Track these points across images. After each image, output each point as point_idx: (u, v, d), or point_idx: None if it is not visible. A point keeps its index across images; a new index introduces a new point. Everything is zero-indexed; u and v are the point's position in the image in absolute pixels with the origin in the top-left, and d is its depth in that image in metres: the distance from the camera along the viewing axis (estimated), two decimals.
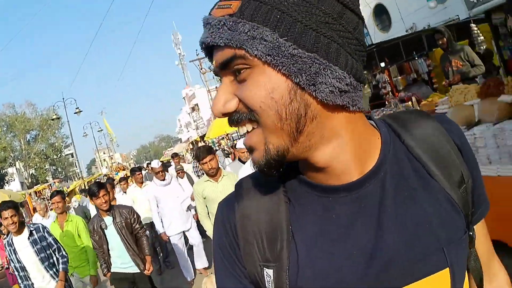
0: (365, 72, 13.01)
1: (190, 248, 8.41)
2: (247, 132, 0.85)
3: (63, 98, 32.12)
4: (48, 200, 23.07)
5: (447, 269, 0.88)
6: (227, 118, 0.86)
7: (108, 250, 5.73)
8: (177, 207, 7.85)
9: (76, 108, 32.30)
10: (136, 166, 10.73)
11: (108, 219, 5.68)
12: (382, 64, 12.39)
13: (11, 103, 62.36)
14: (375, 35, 17.13)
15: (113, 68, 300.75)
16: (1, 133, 52.80)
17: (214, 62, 0.84)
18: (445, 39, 7.21)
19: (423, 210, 0.89)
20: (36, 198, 22.16)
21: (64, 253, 5.72)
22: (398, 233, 0.86)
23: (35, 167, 58.81)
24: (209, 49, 0.85)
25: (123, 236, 5.62)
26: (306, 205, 0.92)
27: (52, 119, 35.70)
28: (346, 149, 0.87)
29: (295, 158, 0.86)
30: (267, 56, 0.78)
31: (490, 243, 1.12)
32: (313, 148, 0.85)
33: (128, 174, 22.77)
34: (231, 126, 0.87)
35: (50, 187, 26.46)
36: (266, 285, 0.91)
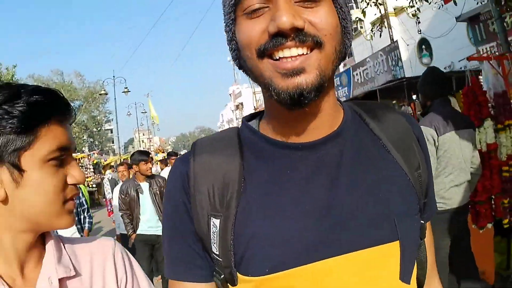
0: (393, 102, 13.99)
1: None
2: (301, 54, 0.85)
3: (114, 76, 33.49)
4: (86, 168, 25.13)
5: (398, 242, 0.90)
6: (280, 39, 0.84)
7: (139, 213, 6.37)
8: None
9: (125, 88, 33.31)
10: (173, 151, 11.81)
11: (144, 185, 6.41)
12: (414, 97, 13.35)
13: (59, 70, 63.27)
14: (416, 66, 17.90)
15: (166, 55, 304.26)
16: None
17: None
18: None
19: (378, 179, 0.94)
20: None
21: (91, 214, 6.50)
22: (352, 195, 0.91)
23: (74, 136, 59.28)
24: None
25: (156, 202, 6.31)
26: (263, 161, 0.96)
27: (100, 94, 36.85)
28: (327, 105, 0.95)
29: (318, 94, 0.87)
30: None
31: (434, 254, 1.14)
32: (324, 92, 0.91)
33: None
34: (283, 46, 0.84)
35: (89, 157, 27.82)
36: (211, 236, 0.93)
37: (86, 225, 6.38)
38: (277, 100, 0.87)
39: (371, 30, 8.51)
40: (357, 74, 20.48)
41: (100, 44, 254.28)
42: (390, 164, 0.98)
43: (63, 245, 1.23)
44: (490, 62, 4.51)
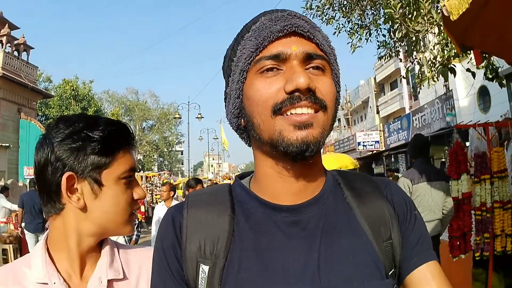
0: (445, 148, 15.00)
1: None
2: (311, 113, 0.96)
3: (188, 102, 35.14)
4: (156, 186, 26.75)
5: None
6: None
7: None
8: None
9: (198, 114, 34.55)
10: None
11: None
12: (467, 144, 14.09)
13: (134, 89, 65.24)
14: (475, 114, 17.82)
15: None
16: (119, 115, 53.86)
17: (298, 47, 0.98)
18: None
19: (351, 246, 1.01)
20: (145, 182, 25.61)
21: (140, 229, 7.67)
22: (327, 258, 0.99)
23: (144, 154, 60.80)
24: (290, 34, 0.99)
25: None
26: (251, 218, 1.05)
27: (174, 117, 37.99)
28: (317, 167, 1.07)
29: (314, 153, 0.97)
30: (337, 71, 1.08)
31: None
32: (318, 154, 1.04)
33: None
34: (298, 105, 0.95)
35: (159, 176, 29.21)
36: (199, 282, 1.00)
37: (134, 236, 7.56)
38: (284, 151, 0.96)
39: (421, 81, 9.15)
40: (416, 119, 21.58)
41: (177, 68, 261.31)
42: (359, 234, 1.04)
43: (118, 251, 1.37)
44: (476, 128, 5.87)
